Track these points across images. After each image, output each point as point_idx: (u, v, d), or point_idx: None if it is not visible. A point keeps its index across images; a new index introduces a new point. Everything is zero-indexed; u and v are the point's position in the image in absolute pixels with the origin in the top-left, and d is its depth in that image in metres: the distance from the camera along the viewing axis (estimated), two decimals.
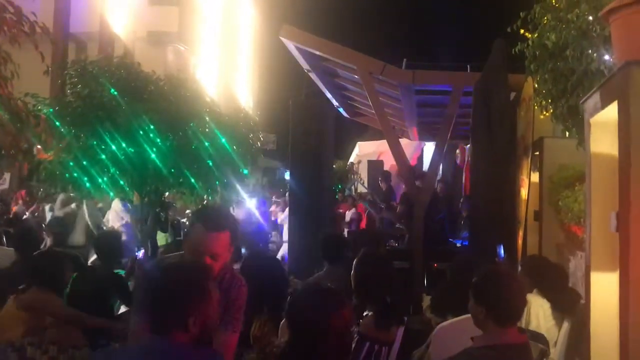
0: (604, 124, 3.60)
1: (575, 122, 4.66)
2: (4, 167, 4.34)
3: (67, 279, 4.20)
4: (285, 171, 21.04)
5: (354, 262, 3.82)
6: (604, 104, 3.37)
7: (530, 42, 4.93)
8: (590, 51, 4.15)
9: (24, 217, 9.38)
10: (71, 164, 5.64)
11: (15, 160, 4.03)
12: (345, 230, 11.34)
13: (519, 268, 4.51)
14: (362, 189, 13.68)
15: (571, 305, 4.04)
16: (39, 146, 5.28)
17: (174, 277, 2.08)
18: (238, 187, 6.87)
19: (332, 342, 2.34)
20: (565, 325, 4.04)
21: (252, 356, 3.26)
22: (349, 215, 12.53)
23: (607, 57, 4.06)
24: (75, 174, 5.61)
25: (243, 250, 5.14)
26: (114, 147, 5.43)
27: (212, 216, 2.58)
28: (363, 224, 12.06)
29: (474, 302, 2.71)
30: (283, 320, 2.79)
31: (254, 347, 3.24)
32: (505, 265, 4.85)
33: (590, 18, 4.11)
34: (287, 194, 12.82)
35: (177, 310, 2.01)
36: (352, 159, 16.58)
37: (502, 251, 4.94)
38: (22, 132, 3.63)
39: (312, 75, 9.28)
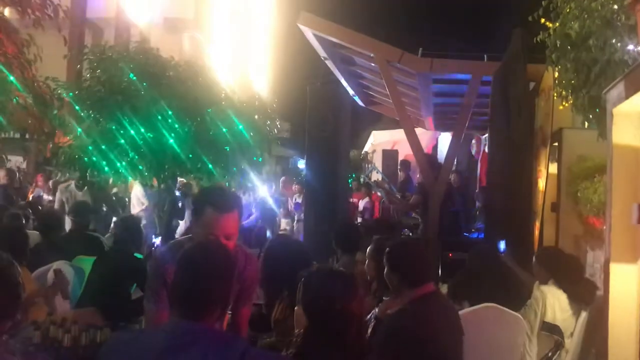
0: (627, 114, 3.57)
1: (596, 113, 4.61)
2: (27, 151, 4.39)
3: None
4: (299, 160, 21.04)
5: (371, 249, 3.84)
6: (628, 94, 3.33)
7: (552, 32, 4.87)
8: (614, 41, 4.09)
9: (46, 200, 9.45)
10: (90, 148, 5.68)
11: (39, 142, 4.07)
12: (359, 219, 11.36)
13: (534, 259, 4.49)
14: (376, 176, 13.63)
15: (588, 296, 4.03)
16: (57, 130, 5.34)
17: (208, 260, 2.09)
18: (252, 174, 6.87)
19: (350, 325, 2.34)
20: (583, 315, 4.03)
21: (268, 340, 3.29)
22: (362, 204, 12.53)
23: (631, 46, 4.01)
24: (94, 158, 5.65)
25: (268, 234, 5.18)
26: (132, 132, 5.46)
27: (221, 197, 2.63)
28: (376, 213, 12.06)
29: (389, 270, 3.04)
30: (297, 307, 2.80)
31: (273, 330, 3.27)
32: (509, 259, 4.85)
33: (615, 7, 4.06)
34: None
35: (212, 293, 2.03)
36: (366, 148, 16.53)
37: (503, 245, 4.93)
38: (45, 114, 3.67)
39: (329, 63, 9.25)
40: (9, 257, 1.95)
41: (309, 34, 8.01)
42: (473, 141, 11.76)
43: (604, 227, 4.15)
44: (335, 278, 2.45)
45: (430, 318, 2.91)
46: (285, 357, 2.17)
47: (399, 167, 11.88)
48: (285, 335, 2.84)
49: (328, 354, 2.33)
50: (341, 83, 9.52)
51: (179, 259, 2.12)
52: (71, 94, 5.31)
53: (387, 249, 3.14)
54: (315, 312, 2.40)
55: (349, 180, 11.95)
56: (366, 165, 14.55)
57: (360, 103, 11.31)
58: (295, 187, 11.88)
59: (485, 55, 8.24)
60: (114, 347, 2.07)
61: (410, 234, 8.58)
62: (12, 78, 3.39)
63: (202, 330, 1.99)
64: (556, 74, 5.18)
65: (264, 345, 3.25)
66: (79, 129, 5.54)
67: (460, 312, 3.78)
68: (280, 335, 3.11)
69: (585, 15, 4.35)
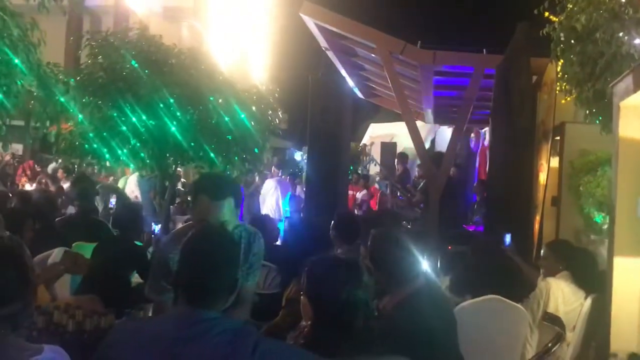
0: (634, 107, 3.57)
1: (600, 107, 4.61)
2: (26, 138, 4.35)
3: None
4: (295, 151, 20.98)
5: (373, 240, 3.83)
6: (636, 87, 3.33)
7: (557, 25, 4.86)
8: (621, 34, 4.09)
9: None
10: (91, 135, 5.64)
11: (42, 128, 4.04)
12: (356, 211, 11.35)
13: (541, 252, 4.50)
14: (374, 169, 13.63)
15: (598, 283, 4.03)
16: None
17: (212, 246, 2.07)
18: (248, 165, 6.82)
19: (356, 313, 2.32)
20: (585, 309, 4.05)
21: (275, 320, 3.27)
22: (359, 196, 12.52)
23: (638, 40, 4.01)
24: (95, 145, 5.62)
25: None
26: (134, 119, 5.42)
27: (215, 185, 2.71)
28: (374, 205, 12.05)
29: (374, 269, 2.92)
30: (302, 297, 2.78)
31: (284, 308, 3.25)
32: (512, 251, 4.85)
33: (623, 0, 4.05)
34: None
35: (219, 280, 2.01)
36: (364, 140, 16.50)
37: (508, 239, 4.93)
38: (50, 99, 3.64)
39: (330, 54, 9.21)
40: (18, 239, 1.94)
41: (311, 24, 7.97)
42: (472, 135, 11.76)
43: (608, 221, 4.17)
44: (339, 266, 2.42)
45: (424, 312, 2.89)
46: (297, 347, 2.15)
47: (396, 159, 11.88)
48: (294, 314, 2.82)
49: (336, 344, 2.31)
50: (341, 74, 9.49)
51: (182, 247, 2.11)
52: (72, 79, 5.26)
53: (370, 249, 3.13)
54: (319, 301, 2.37)
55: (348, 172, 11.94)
56: (364, 158, 14.52)
57: (360, 95, 11.28)
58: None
59: (484, 50, 8.23)
60: (120, 337, 2.02)
61: (409, 226, 8.60)
62: (17, 61, 3.36)
63: (213, 319, 1.96)
64: (559, 68, 5.18)
65: (271, 325, 3.24)
66: (80, 116, 5.50)
67: (462, 304, 3.80)
68: (290, 316, 3.09)
69: (592, 8, 4.34)
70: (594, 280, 4.05)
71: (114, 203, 9.35)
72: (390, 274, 2.97)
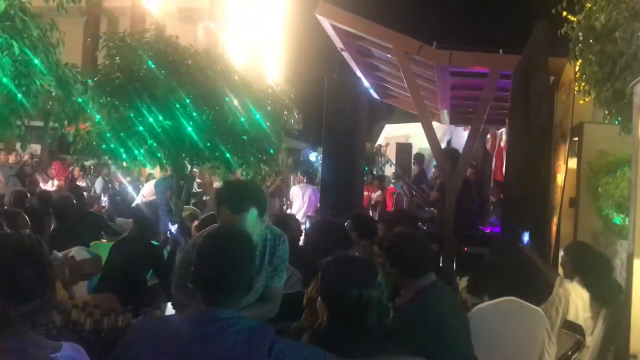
0: None
1: (619, 107, 4.55)
2: (43, 139, 4.39)
3: None
4: (310, 152, 20.97)
5: (391, 240, 3.82)
6: None
7: (575, 24, 4.81)
8: None
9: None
10: (108, 135, 5.68)
11: (60, 128, 4.08)
12: (370, 212, 11.32)
13: (558, 254, 4.44)
14: (390, 170, 13.58)
15: (611, 296, 3.97)
16: None
17: (229, 246, 2.09)
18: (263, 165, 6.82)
19: (369, 311, 2.31)
20: (603, 313, 3.99)
21: (297, 323, 3.28)
22: (374, 197, 12.49)
23: None
24: (112, 145, 5.65)
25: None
26: (151, 120, 5.45)
27: (236, 197, 2.69)
28: (389, 206, 12.01)
29: (388, 265, 3.11)
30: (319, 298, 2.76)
31: (306, 307, 3.27)
32: (531, 250, 4.80)
33: None
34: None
35: (236, 279, 2.02)
36: (379, 141, 16.48)
37: (527, 237, 4.89)
38: (69, 98, 3.67)
39: (345, 55, 9.21)
40: (38, 238, 1.96)
41: (326, 24, 7.98)
42: (488, 136, 11.69)
43: (627, 222, 4.10)
44: (351, 264, 2.42)
45: (436, 307, 2.96)
46: (312, 347, 2.15)
47: (412, 160, 11.84)
48: (315, 314, 2.83)
49: (350, 343, 2.31)
50: (356, 75, 9.48)
51: (198, 247, 2.12)
52: (90, 80, 5.30)
53: (385, 245, 3.24)
54: (332, 299, 2.37)
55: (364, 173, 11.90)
56: (379, 159, 14.50)
57: (375, 95, 11.27)
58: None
59: (500, 50, 8.17)
60: (138, 335, 2.04)
61: (425, 227, 8.55)
62: (36, 61, 3.39)
63: (230, 318, 1.98)
64: (577, 68, 5.12)
65: (297, 328, 3.26)
66: (97, 116, 5.54)
67: (480, 306, 3.78)
68: (311, 316, 3.11)
69: (612, 7, 4.29)
70: (604, 289, 3.99)
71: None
72: (406, 268, 3.06)
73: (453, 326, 2.96)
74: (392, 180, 12.49)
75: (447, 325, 2.91)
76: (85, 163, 10.58)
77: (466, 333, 3.06)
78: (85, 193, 9.96)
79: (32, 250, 1.86)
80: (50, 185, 11.09)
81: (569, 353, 3.94)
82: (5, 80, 3.27)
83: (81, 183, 11.46)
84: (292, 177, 14.43)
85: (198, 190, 10.24)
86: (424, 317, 2.87)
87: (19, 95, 3.46)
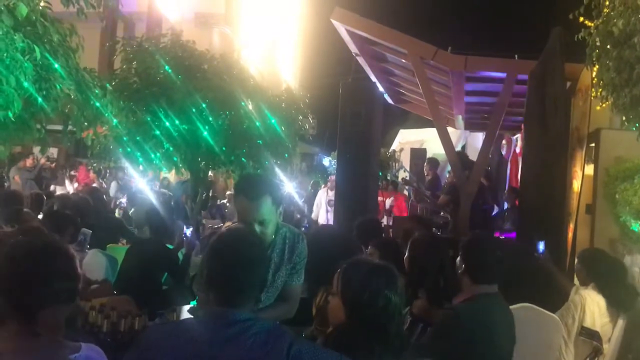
0: None
1: (637, 113, 4.51)
2: (61, 142, 4.44)
3: None
4: (324, 157, 21.00)
5: (410, 245, 3.81)
6: None
7: (593, 30, 4.78)
8: None
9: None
10: (125, 139, 5.74)
11: (81, 130, 4.13)
12: (385, 218, 11.30)
13: (574, 261, 4.40)
14: (404, 175, 13.55)
15: (628, 302, 3.93)
16: None
17: (243, 245, 2.09)
18: (279, 170, 6.86)
19: (391, 320, 2.31)
20: (620, 321, 3.95)
21: (307, 332, 3.28)
22: (388, 202, 12.46)
23: None
24: (129, 149, 5.71)
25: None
26: (167, 124, 5.51)
27: (250, 185, 2.80)
28: (404, 212, 11.98)
29: (460, 259, 3.14)
30: (331, 299, 2.76)
31: (315, 317, 3.26)
32: (546, 260, 4.77)
33: None
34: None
35: (248, 279, 2.02)
36: (394, 146, 16.43)
37: (542, 246, 4.86)
38: (88, 102, 3.72)
39: (360, 60, 9.21)
40: (65, 244, 1.99)
41: (341, 29, 7.98)
42: (504, 142, 11.61)
43: None
44: (379, 272, 2.41)
45: (488, 317, 2.93)
46: (329, 350, 2.14)
47: (425, 165, 11.78)
48: (324, 324, 2.82)
49: (369, 348, 2.30)
50: (371, 80, 9.47)
51: (210, 249, 2.13)
52: (107, 84, 5.36)
53: (467, 239, 3.23)
54: (357, 306, 2.35)
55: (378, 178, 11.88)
56: (393, 164, 14.46)
57: (390, 101, 11.24)
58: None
59: (516, 56, 8.13)
60: (156, 338, 2.02)
61: (439, 232, 8.51)
62: (56, 66, 3.44)
63: (248, 320, 1.97)
64: (594, 74, 5.09)
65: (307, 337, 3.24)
66: (115, 120, 5.60)
67: None
68: (320, 324, 3.10)
69: (630, 12, 4.25)
70: (620, 295, 3.95)
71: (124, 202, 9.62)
72: (477, 272, 3.06)
73: (501, 337, 2.96)
74: (400, 185, 12.47)
75: (495, 334, 2.91)
76: (100, 166, 10.70)
77: (510, 350, 3.03)
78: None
79: (61, 249, 1.89)
80: (70, 188, 11.21)
81: None
82: (26, 84, 3.32)
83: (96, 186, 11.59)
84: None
85: (212, 194, 10.31)
86: (479, 317, 2.89)
87: (40, 99, 3.52)
